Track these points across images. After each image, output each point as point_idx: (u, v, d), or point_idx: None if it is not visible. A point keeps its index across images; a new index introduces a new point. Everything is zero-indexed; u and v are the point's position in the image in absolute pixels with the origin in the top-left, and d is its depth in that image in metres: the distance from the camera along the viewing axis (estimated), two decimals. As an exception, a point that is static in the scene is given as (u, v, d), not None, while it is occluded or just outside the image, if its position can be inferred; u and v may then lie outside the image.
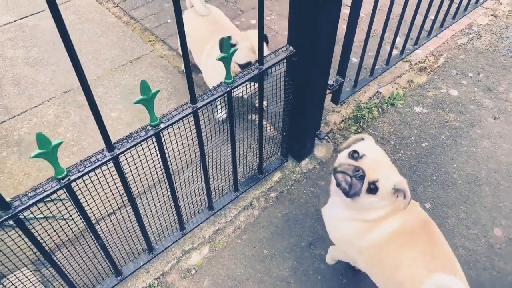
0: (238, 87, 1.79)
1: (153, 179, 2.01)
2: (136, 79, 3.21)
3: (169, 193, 1.93)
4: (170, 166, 1.78)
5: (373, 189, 1.52)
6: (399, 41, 3.13)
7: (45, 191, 1.40)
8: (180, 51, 3.27)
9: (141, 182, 1.94)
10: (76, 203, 1.53)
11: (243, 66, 2.32)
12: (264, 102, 2.93)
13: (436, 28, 3.25)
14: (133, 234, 2.10)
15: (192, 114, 1.68)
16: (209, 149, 2.50)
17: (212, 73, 2.63)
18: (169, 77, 3.25)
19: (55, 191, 1.41)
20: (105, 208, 1.77)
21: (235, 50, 1.66)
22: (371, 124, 2.88)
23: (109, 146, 1.50)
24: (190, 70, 1.56)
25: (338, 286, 2.13)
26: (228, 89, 1.75)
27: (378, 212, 1.61)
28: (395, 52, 3.00)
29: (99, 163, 1.48)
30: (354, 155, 1.57)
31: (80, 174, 1.45)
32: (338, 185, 1.57)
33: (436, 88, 3.14)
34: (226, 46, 1.60)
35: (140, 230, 1.97)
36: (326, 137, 2.75)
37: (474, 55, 3.41)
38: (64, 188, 1.44)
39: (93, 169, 1.48)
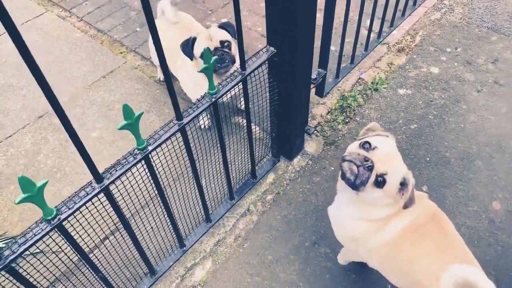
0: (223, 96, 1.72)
1: (144, 199, 1.92)
2: (112, 95, 3.10)
3: (164, 211, 1.86)
4: (161, 183, 1.70)
5: (380, 182, 1.48)
6: (375, 24, 3.09)
7: (35, 235, 1.31)
8: (153, 60, 3.16)
9: (133, 203, 1.85)
10: (69, 239, 1.44)
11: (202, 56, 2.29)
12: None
13: (409, 7, 3.23)
14: (132, 259, 2.02)
15: (179, 131, 1.61)
16: (199, 159, 2.42)
17: (188, 80, 2.54)
18: (146, 88, 3.14)
19: (46, 233, 1.32)
20: (98, 236, 1.68)
21: (216, 60, 1.59)
22: (358, 112, 2.84)
23: (97, 177, 1.41)
24: (172, 86, 1.48)
25: (348, 283, 2.10)
26: (213, 99, 1.68)
27: (384, 210, 1.57)
28: (372, 36, 2.96)
29: (89, 196, 1.40)
30: (365, 145, 1.54)
31: (70, 211, 1.36)
32: (343, 175, 1.53)
33: (417, 68, 3.12)
34: (207, 56, 1.53)
35: (139, 253, 1.89)
36: (315, 132, 2.70)
37: (449, 29, 3.41)
38: (55, 228, 1.35)
39: (83, 204, 1.39)
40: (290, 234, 2.29)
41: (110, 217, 1.64)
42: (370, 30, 2.80)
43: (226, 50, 2.24)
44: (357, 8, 2.58)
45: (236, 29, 1.59)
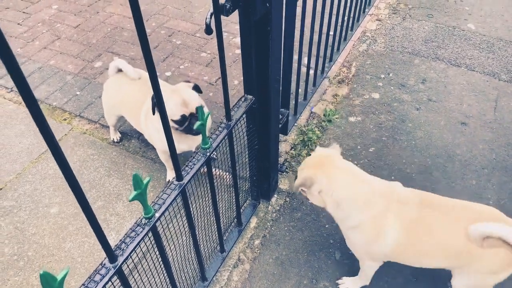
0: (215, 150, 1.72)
1: (149, 269, 1.81)
2: (65, 164, 2.90)
3: (167, 280, 1.76)
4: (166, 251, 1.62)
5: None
6: (316, 61, 3.32)
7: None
8: (107, 119, 3.00)
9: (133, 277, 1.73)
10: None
11: (178, 122, 2.23)
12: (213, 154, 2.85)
13: (342, 42, 3.52)
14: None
15: (181, 193, 1.56)
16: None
17: (156, 133, 2.47)
18: (101, 152, 2.99)
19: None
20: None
21: (209, 114, 1.60)
22: (319, 144, 2.98)
23: (111, 255, 1.31)
24: (175, 147, 1.45)
25: (354, 312, 2.13)
26: (208, 154, 1.67)
27: (355, 217, 1.79)
28: (317, 72, 3.17)
29: (105, 279, 1.29)
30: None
31: (89, 300, 1.24)
32: None
33: (360, 96, 3.38)
34: (201, 113, 1.53)
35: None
36: (286, 169, 2.77)
37: (378, 58, 3.76)
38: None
39: (102, 289, 1.28)
40: (286, 276, 2.28)
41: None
42: (316, 67, 3.00)
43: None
44: (298, 49, 2.76)
45: (222, 79, 1.62)
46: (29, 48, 3.99)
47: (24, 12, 4.49)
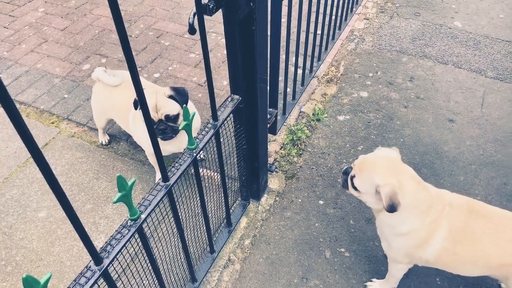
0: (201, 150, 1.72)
1: (131, 272, 1.80)
2: (53, 168, 2.88)
3: (156, 282, 1.75)
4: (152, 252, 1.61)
5: (353, 184, 1.79)
6: (303, 61, 3.32)
7: None
8: (96, 122, 2.98)
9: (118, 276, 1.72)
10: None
11: None
12: (202, 154, 2.86)
13: (330, 41, 3.53)
14: None
15: (167, 194, 1.56)
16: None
17: (141, 132, 2.47)
18: (90, 155, 2.97)
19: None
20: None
21: (194, 114, 1.59)
22: (308, 143, 2.99)
23: (96, 258, 1.30)
24: (159, 148, 1.45)
25: (344, 309, 2.14)
26: (194, 154, 1.66)
27: (406, 225, 1.72)
28: (305, 72, 3.18)
29: (90, 283, 1.28)
30: (356, 159, 1.88)
31: (75, 304, 1.23)
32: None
33: (348, 94, 3.39)
34: (186, 113, 1.53)
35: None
36: (275, 168, 2.77)
37: (366, 56, 3.78)
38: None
39: (87, 292, 1.27)
40: (276, 275, 2.28)
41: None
42: (304, 66, 3.00)
43: (170, 123, 2.26)
44: (284, 49, 2.76)
45: (206, 78, 1.62)
46: (16, 52, 3.96)
47: (10, 15, 4.45)
